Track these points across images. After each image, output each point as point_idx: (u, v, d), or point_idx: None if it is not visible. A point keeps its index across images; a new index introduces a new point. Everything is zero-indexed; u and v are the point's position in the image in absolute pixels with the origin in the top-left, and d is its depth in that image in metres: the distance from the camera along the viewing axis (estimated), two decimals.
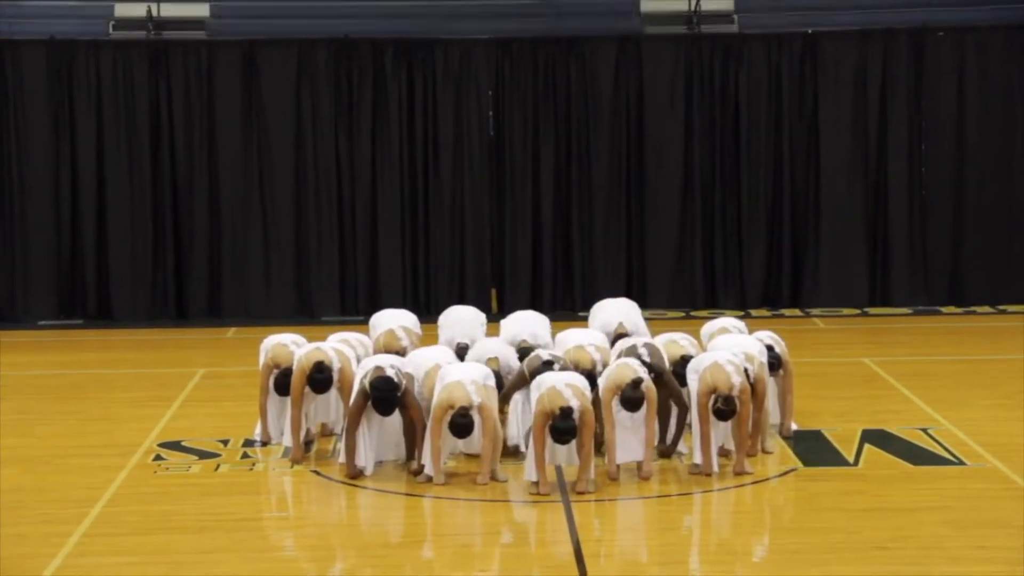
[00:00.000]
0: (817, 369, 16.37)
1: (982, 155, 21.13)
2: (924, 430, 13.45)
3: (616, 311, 14.20)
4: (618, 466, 11.83)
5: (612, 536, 10.86)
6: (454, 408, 11.51)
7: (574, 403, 11.37)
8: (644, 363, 12.18)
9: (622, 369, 11.86)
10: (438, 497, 11.57)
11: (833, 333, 19.56)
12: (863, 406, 14.56)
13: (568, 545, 10.34)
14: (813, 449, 12.82)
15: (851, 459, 12.55)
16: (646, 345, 12.66)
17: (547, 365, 12.36)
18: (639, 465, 11.90)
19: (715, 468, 11.94)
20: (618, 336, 13.60)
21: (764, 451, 12.58)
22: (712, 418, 11.88)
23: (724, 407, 11.80)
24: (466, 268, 21.15)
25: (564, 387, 11.45)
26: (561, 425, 11.31)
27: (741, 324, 13.91)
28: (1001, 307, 20.88)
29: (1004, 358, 17.26)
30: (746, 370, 12.12)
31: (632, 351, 12.53)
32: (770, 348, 12.95)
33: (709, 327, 13.84)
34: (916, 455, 12.62)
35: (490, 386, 11.83)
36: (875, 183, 21.21)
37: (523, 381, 12.44)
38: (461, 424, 11.54)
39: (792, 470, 12.21)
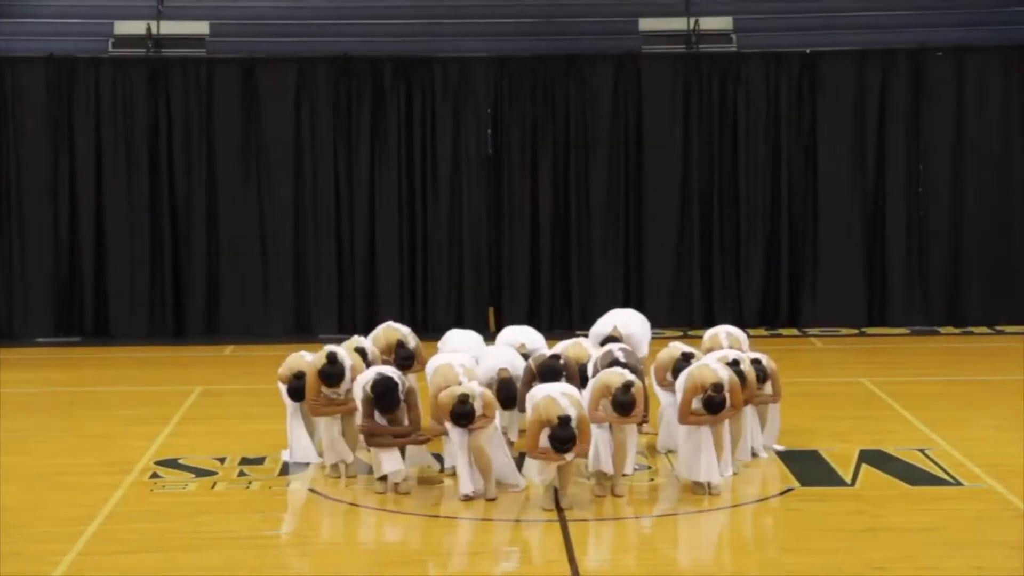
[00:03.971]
0: (815, 389, 16.38)
1: (980, 175, 21.15)
2: (922, 450, 13.44)
3: (615, 317, 14.34)
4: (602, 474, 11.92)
5: (608, 556, 10.84)
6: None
7: (571, 412, 11.40)
8: (620, 362, 12.39)
9: (611, 375, 11.93)
10: (435, 516, 11.56)
11: (831, 353, 19.56)
12: (860, 426, 14.55)
13: (566, 565, 10.32)
14: (810, 469, 12.81)
15: (848, 479, 12.54)
16: (622, 348, 12.91)
17: (554, 358, 12.64)
18: (612, 486, 11.96)
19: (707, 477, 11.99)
20: (608, 340, 13.73)
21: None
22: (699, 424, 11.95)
23: (715, 394, 11.84)
24: (464, 286, 21.17)
25: (560, 396, 11.51)
26: (560, 434, 11.32)
27: (740, 333, 13.98)
28: (999, 328, 20.88)
29: (1002, 379, 17.25)
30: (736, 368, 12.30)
31: (608, 353, 12.73)
32: (756, 361, 13.02)
33: (708, 334, 13.97)
34: (913, 475, 12.61)
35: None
36: (873, 203, 21.23)
37: (532, 378, 12.58)
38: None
39: (789, 490, 12.20)
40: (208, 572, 10.31)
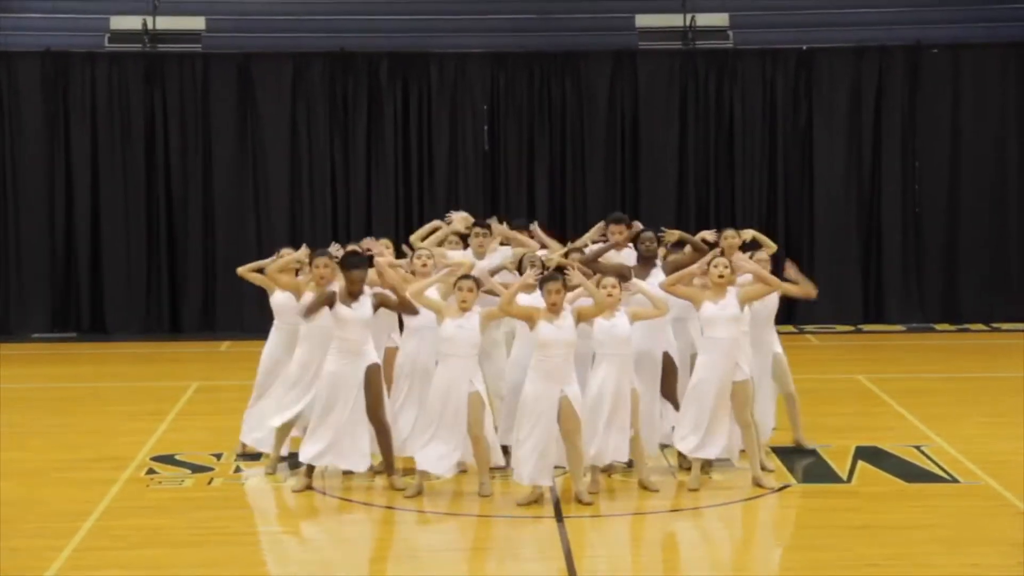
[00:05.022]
0: (811, 386, 16.33)
1: (976, 172, 21.17)
2: (917, 447, 13.46)
3: None
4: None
5: (604, 552, 10.85)
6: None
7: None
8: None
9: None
10: (431, 512, 11.56)
11: (827, 350, 19.58)
12: (857, 423, 14.57)
13: (561, 561, 10.33)
14: (807, 466, 12.83)
15: (844, 476, 12.55)
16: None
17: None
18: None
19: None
20: None
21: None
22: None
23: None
24: None
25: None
26: (549, 276, 11.55)
27: None
28: (995, 325, 20.90)
29: (998, 376, 17.27)
30: None
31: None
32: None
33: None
34: (909, 472, 12.63)
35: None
36: (869, 199, 21.25)
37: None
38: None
39: (786, 486, 12.21)
40: (205, 568, 10.31)
